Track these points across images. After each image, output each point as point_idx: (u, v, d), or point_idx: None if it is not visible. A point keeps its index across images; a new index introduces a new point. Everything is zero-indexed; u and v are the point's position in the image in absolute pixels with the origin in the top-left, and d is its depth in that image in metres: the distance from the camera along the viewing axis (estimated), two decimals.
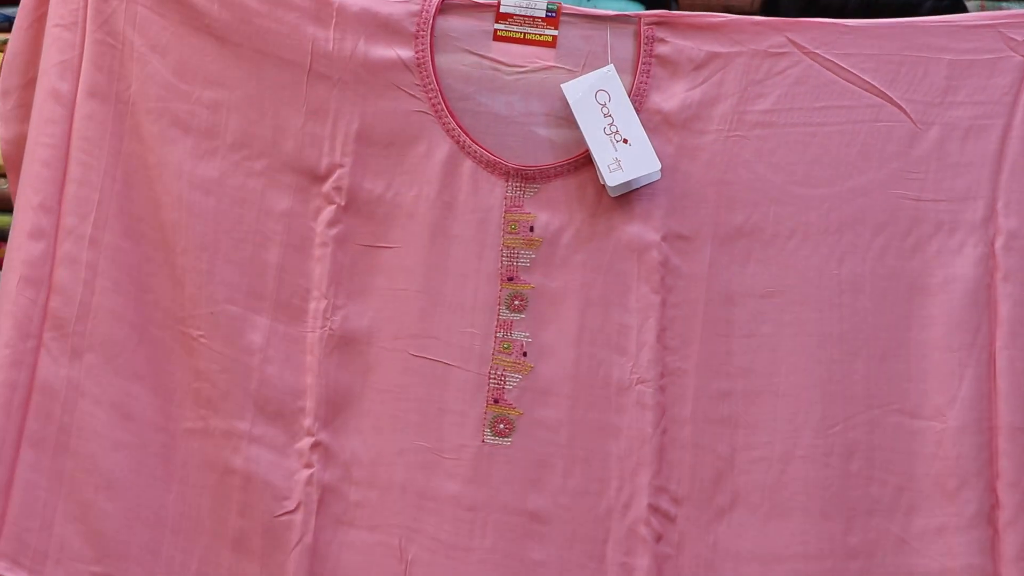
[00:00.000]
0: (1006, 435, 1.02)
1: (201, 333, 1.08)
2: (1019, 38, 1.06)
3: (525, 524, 1.05)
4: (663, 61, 1.09)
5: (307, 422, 1.07)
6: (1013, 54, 1.06)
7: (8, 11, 1.84)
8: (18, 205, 1.08)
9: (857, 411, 1.06)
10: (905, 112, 1.07)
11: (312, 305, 1.08)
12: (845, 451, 1.05)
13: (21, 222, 1.06)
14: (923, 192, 1.07)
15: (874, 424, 1.05)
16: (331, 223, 1.09)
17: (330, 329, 1.08)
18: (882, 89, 1.07)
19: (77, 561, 1.03)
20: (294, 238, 1.09)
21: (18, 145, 1.12)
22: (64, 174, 1.06)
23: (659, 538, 1.04)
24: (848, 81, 1.08)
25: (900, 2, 1.23)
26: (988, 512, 1.03)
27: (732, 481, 1.05)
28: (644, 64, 1.09)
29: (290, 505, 1.06)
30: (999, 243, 1.05)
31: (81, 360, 1.05)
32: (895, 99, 1.07)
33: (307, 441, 1.06)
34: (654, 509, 1.04)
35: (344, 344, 1.08)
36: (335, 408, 1.08)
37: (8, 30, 1.72)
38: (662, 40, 1.09)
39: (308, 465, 1.06)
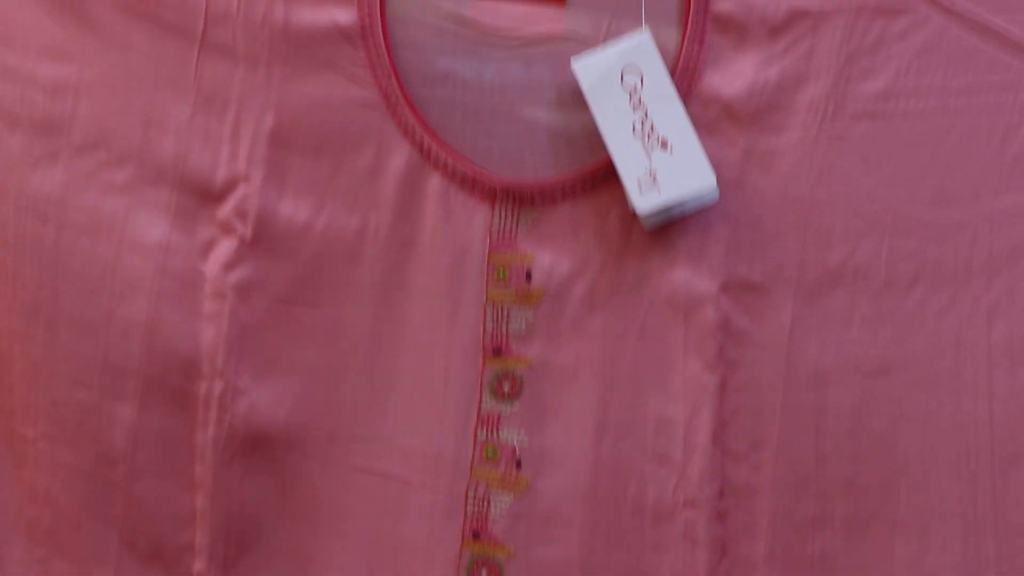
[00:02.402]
0: None
1: (39, 433, 0.78)
2: None
3: None
4: (724, 23, 0.76)
5: (198, 566, 0.77)
6: None
7: None
8: None
9: (1018, 550, 0.74)
10: None
11: (202, 387, 0.77)
12: None
13: None
14: None
15: None
16: (230, 264, 0.77)
17: (230, 425, 0.76)
18: None
19: None
20: (173, 285, 0.77)
21: None
22: None
23: None
24: (1002, 48, 0.75)
25: None
26: None
27: None
28: (695, 28, 0.76)
29: None
30: None
31: None
32: None
33: None
34: None
35: (251, 447, 0.77)
36: (240, 544, 0.77)
37: None
38: None
39: None
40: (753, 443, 0.75)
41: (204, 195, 0.77)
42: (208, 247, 0.77)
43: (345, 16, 0.76)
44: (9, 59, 0.77)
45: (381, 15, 0.76)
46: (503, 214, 0.76)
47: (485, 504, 0.75)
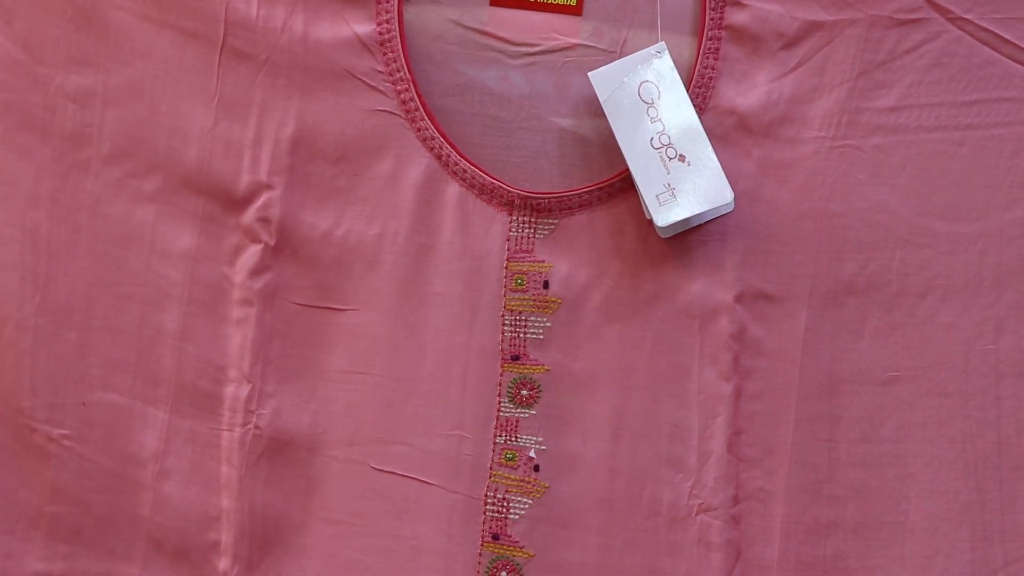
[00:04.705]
0: None
1: (65, 433, 0.78)
2: None
3: None
4: (739, 35, 0.76)
5: (223, 565, 0.77)
6: None
7: None
8: None
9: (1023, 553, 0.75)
10: None
11: (229, 391, 0.78)
12: None
13: None
14: None
15: None
16: (255, 271, 0.77)
17: (255, 427, 0.77)
18: None
19: None
20: (201, 291, 0.78)
21: None
22: None
23: None
24: (1015, 61, 0.75)
25: None
26: None
27: None
28: (711, 40, 0.76)
29: None
30: None
31: None
32: None
33: None
34: None
35: (276, 450, 0.78)
36: (263, 544, 0.78)
37: None
38: (737, 3, 0.76)
39: None
40: (767, 449, 0.76)
41: (228, 202, 0.77)
42: (235, 253, 0.77)
43: (364, 26, 0.76)
44: (38, 69, 0.77)
45: (399, 25, 0.76)
46: (521, 223, 0.76)
47: (504, 507, 0.76)
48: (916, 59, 0.75)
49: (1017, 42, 0.74)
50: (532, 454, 0.76)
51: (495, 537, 0.75)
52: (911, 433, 0.75)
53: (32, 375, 0.78)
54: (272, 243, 0.77)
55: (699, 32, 0.76)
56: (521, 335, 0.76)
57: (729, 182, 0.73)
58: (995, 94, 0.75)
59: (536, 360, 0.76)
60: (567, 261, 0.76)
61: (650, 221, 0.73)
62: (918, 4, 0.75)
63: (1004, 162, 0.75)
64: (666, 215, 0.72)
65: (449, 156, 0.76)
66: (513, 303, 0.76)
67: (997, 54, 0.75)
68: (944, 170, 0.75)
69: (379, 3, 0.76)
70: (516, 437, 0.76)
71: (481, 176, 0.76)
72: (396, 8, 0.76)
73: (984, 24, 0.75)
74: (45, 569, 0.79)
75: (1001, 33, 0.74)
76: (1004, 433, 0.75)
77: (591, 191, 0.76)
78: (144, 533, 0.78)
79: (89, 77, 0.77)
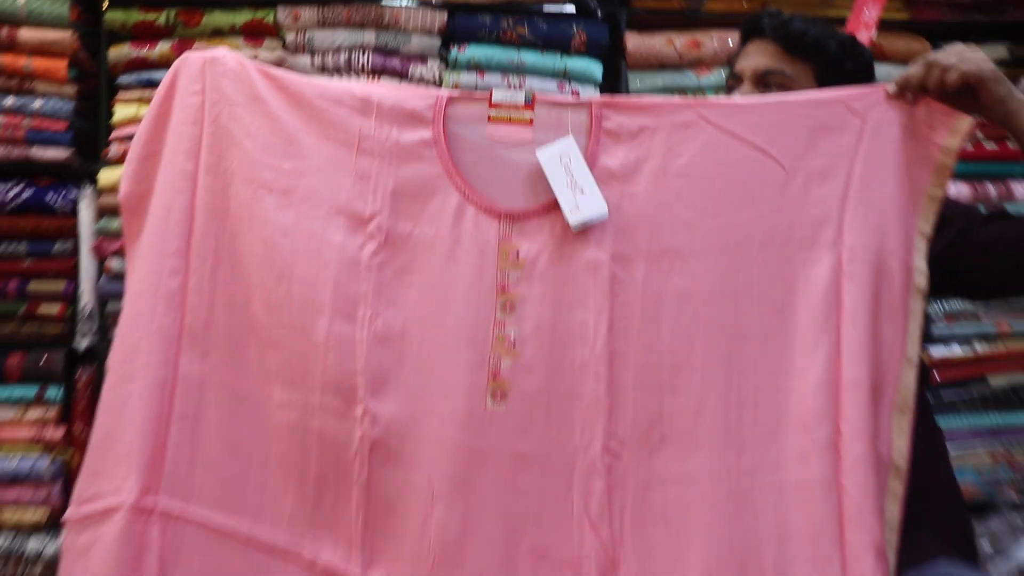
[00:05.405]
0: (846, 386, 1.38)
1: (284, 333, 1.49)
2: (859, 107, 1.45)
3: (515, 463, 1.45)
4: (608, 133, 1.50)
5: (360, 395, 1.46)
6: (854, 119, 1.45)
7: (140, 75, 2.51)
8: (150, 252, 1.50)
9: (747, 376, 1.42)
10: (780, 164, 1.45)
11: (360, 312, 1.48)
12: (739, 403, 1.42)
13: (158, 265, 1.49)
14: (793, 220, 1.44)
15: (759, 384, 1.42)
16: (373, 254, 1.49)
17: (374, 328, 1.48)
18: (764, 148, 1.45)
19: (208, 500, 1.47)
20: (348, 263, 1.48)
21: (130, 199, 1.54)
22: (189, 229, 1.50)
23: (610, 469, 1.44)
24: (739, 142, 1.46)
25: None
26: (834, 439, 1.38)
27: (661, 428, 1.44)
28: (595, 135, 1.50)
29: (351, 454, 1.47)
30: (844, 255, 1.42)
31: (208, 359, 1.49)
32: (773, 154, 1.45)
33: (360, 408, 1.46)
34: (606, 449, 1.43)
35: (384, 339, 1.48)
36: (379, 384, 1.47)
37: (134, 88, 2.49)
38: (608, 118, 1.50)
39: (361, 425, 1.46)
40: (626, 330, 1.45)
41: (359, 220, 1.49)
42: (362, 246, 1.49)
43: (426, 134, 1.51)
44: (267, 160, 1.50)
45: (444, 133, 1.51)
46: (505, 226, 1.49)
47: (498, 363, 1.45)
48: (694, 143, 1.47)
49: (740, 134, 1.45)
50: (512, 337, 1.47)
51: (494, 377, 1.46)
52: (695, 322, 1.44)
53: (271, 306, 1.48)
54: (382, 240, 1.49)
55: (589, 132, 1.50)
56: (506, 279, 1.47)
57: (606, 202, 1.46)
58: (730, 158, 1.46)
59: (513, 292, 1.47)
60: (528, 243, 1.48)
61: (568, 222, 1.47)
62: (694, 117, 1.47)
63: (736, 191, 1.45)
64: (575, 219, 1.45)
65: (469, 194, 1.49)
66: (502, 264, 1.48)
67: (731, 140, 1.46)
68: (707, 195, 1.46)
69: (434, 123, 1.50)
70: (504, 329, 1.47)
71: (485, 201, 1.49)
72: (442, 124, 1.50)
73: (725, 126, 1.46)
74: (282, 400, 1.47)
75: (732, 130, 1.46)
76: (738, 319, 1.43)
77: (539, 208, 1.49)
78: (322, 381, 1.47)
79: (293, 163, 1.50)
